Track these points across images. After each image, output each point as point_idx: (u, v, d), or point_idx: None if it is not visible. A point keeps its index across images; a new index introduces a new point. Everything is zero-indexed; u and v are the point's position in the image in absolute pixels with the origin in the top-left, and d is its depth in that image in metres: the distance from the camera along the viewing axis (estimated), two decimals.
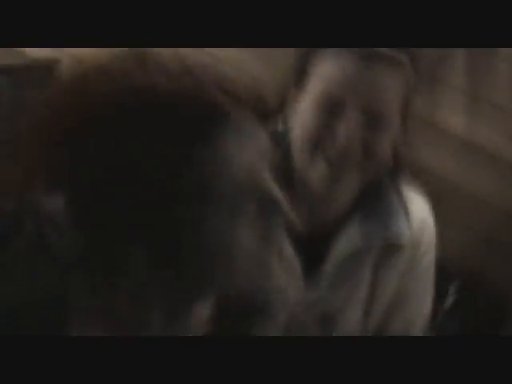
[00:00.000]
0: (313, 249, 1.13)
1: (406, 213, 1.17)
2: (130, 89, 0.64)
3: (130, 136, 0.63)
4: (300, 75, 1.11)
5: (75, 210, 0.64)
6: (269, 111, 0.68)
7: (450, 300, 1.65)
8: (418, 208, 1.20)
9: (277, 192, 0.70)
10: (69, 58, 0.74)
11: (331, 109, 1.06)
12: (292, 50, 1.17)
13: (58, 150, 0.65)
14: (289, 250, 0.99)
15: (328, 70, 1.08)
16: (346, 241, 1.15)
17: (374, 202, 1.16)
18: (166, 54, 0.67)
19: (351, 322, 1.20)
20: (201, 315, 0.73)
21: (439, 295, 1.37)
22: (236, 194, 0.64)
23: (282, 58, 2.01)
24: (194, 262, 0.65)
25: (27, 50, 2.06)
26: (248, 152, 0.65)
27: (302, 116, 1.10)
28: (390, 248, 1.17)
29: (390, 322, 1.21)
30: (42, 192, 0.65)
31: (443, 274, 1.33)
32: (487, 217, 1.85)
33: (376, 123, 1.08)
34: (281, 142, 1.10)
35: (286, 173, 1.07)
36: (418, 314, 1.23)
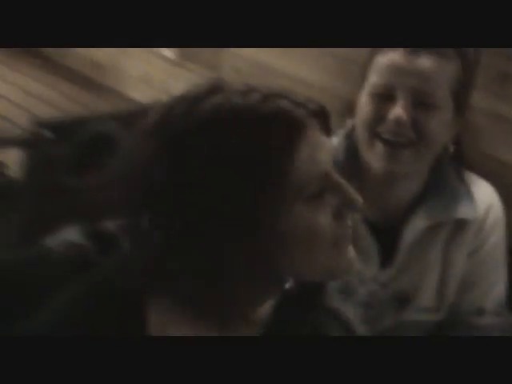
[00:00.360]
0: (386, 232, 1.27)
1: (470, 196, 1.28)
2: (210, 110, 0.74)
3: (217, 152, 0.73)
4: (362, 77, 1.26)
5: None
6: (330, 122, 0.80)
7: None
8: (482, 192, 1.32)
9: (346, 185, 0.79)
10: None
11: (382, 94, 1.20)
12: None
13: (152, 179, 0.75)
14: (364, 234, 1.24)
15: (379, 62, 1.23)
16: (415, 223, 1.27)
17: (439, 187, 1.28)
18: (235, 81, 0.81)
19: (426, 300, 1.30)
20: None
21: None
22: (315, 189, 0.76)
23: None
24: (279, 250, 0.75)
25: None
26: (318, 160, 0.76)
27: (360, 105, 1.24)
28: (457, 227, 1.28)
29: (461, 302, 1.31)
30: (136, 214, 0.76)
31: None
32: None
33: (425, 104, 1.19)
34: (349, 139, 1.28)
35: (355, 167, 1.26)
36: (488, 293, 1.31)
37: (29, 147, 2.06)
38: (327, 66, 2.15)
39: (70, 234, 0.87)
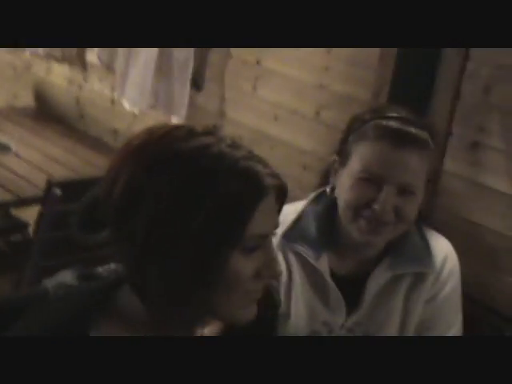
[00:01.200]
0: (353, 284, 1.40)
1: (428, 250, 1.42)
2: (195, 147, 0.84)
3: (190, 188, 0.83)
4: (343, 153, 1.37)
5: None
6: (285, 199, 0.92)
7: None
8: (440, 245, 1.44)
9: (276, 254, 0.91)
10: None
11: (369, 182, 1.32)
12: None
13: None
14: (332, 287, 1.39)
15: (367, 150, 1.33)
16: (379, 275, 1.40)
17: (401, 244, 1.40)
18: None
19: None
20: None
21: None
22: (253, 245, 0.87)
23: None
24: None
25: None
26: (267, 223, 0.88)
27: (344, 186, 1.35)
28: (416, 278, 1.41)
29: None
30: None
31: None
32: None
33: (406, 193, 1.32)
34: (328, 199, 1.41)
35: (331, 225, 1.40)
36: (444, 335, 1.43)
37: (43, 205, 2.23)
38: (319, 135, 2.32)
39: (66, 277, 0.99)
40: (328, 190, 1.42)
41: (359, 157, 1.33)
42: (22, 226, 2.88)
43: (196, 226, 0.82)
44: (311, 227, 1.40)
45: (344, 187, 1.35)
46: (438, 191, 1.94)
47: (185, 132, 0.87)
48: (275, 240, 1.35)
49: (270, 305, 1.06)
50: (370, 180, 1.31)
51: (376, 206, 1.30)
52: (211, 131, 0.88)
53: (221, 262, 0.84)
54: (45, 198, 2.19)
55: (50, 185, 2.15)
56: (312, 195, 1.46)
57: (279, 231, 1.39)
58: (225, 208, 0.83)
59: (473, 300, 1.63)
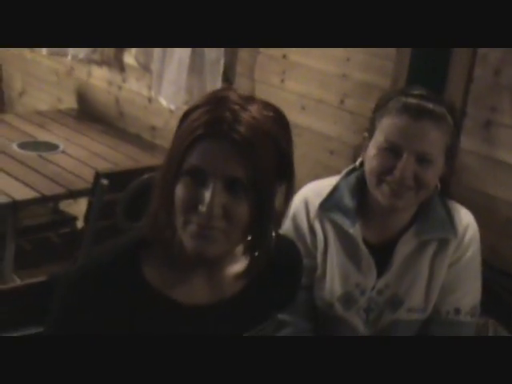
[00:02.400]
0: (383, 250, 1.56)
1: (451, 220, 1.56)
2: None
3: None
4: (370, 128, 1.53)
5: None
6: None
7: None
8: (461, 216, 1.58)
9: None
10: None
11: (390, 150, 1.47)
12: None
13: None
14: (365, 253, 1.55)
15: (387, 123, 1.48)
16: (407, 242, 1.55)
17: (427, 214, 1.55)
18: None
19: (415, 303, 1.58)
20: None
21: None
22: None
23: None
24: None
25: None
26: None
27: (370, 156, 1.51)
28: (440, 245, 1.56)
29: (442, 303, 1.58)
30: None
31: None
32: None
33: (424, 161, 1.46)
34: (358, 172, 1.57)
35: (362, 195, 1.57)
36: (464, 297, 1.58)
37: (91, 196, 2.41)
38: (344, 122, 2.48)
39: None
40: (358, 163, 1.57)
41: (382, 129, 1.47)
42: (70, 219, 3.10)
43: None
44: (345, 198, 1.56)
45: (369, 157, 1.50)
46: (456, 167, 2.08)
47: None
48: (314, 210, 1.56)
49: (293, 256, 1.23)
50: (392, 149, 1.46)
51: (396, 172, 1.44)
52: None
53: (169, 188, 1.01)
54: (93, 189, 2.37)
55: (97, 176, 2.33)
56: (345, 170, 1.62)
57: (317, 202, 1.56)
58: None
59: (489, 266, 1.76)
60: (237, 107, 0.99)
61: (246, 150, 0.98)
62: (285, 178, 1.07)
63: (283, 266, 1.19)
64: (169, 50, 2.88)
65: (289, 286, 1.24)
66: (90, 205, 2.40)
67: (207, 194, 0.97)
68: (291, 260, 1.23)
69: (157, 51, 2.94)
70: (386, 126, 1.47)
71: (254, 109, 1.00)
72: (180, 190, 1.00)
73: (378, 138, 1.48)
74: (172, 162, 1.01)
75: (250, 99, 1.02)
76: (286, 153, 1.04)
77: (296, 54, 2.58)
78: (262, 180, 1.00)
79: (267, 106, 1.03)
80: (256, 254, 1.09)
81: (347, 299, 1.57)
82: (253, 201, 1.00)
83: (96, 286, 1.03)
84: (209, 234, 0.99)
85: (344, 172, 1.62)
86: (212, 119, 0.98)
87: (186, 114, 1.03)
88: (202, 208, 0.97)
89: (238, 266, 1.12)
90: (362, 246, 1.54)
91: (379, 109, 1.52)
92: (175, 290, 1.07)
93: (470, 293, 1.59)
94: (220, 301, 1.10)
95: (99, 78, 3.42)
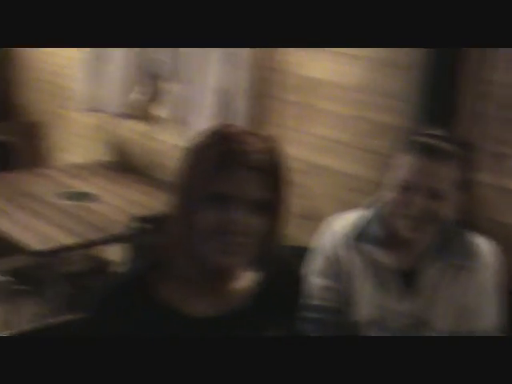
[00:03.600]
0: (409, 275, 1.67)
1: (472, 245, 1.68)
2: None
3: None
4: (388, 166, 1.67)
5: None
6: None
7: None
8: (482, 244, 1.70)
9: None
10: None
11: (407, 188, 1.60)
12: None
13: None
14: (392, 277, 1.66)
15: (404, 162, 1.61)
16: (431, 267, 1.66)
17: (450, 240, 1.67)
18: None
19: (440, 324, 1.67)
20: None
21: None
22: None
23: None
24: None
25: None
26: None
27: (388, 192, 1.65)
28: (461, 269, 1.67)
29: (463, 324, 1.67)
30: None
31: None
32: None
33: (437, 197, 1.60)
34: (380, 204, 1.69)
35: (386, 232, 1.70)
36: (483, 316, 1.68)
37: (129, 240, 2.52)
38: (361, 159, 2.60)
39: None
40: (377, 198, 1.70)
41: (399, 167, 1.62)
42: (105, 264, 3.23)
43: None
44: (370, 227, 1.69)
45: (388, 193, 1.64)
46: (472, 199, 2.16)
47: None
48: (340, 241, 1.68)
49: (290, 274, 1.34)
50: (407, 187, 1.60)
51: (413, 207, 1.59)
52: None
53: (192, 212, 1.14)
54: (130, 232, 2.50)
55: (133, 220, 2.46)
56: (367, 203, 1.75)
57: (343, 233, 1.69)
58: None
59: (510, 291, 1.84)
60: (249, 139, 1.16)
61: (264, 174, 1.15)
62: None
63: (284, 281, 1.31)
64: (197, 101, 3.05)
65: (290, 299, 1.34)
66: (127, 248, 2.53)
67: (235, 216, 1.13)
68: (291, 275, 1.36)
69: (184, 102, 3.10)
70: (403, 164, 1.61)
71: (261, 140, 1.18)
72: (207, 214, 1.14)
73: (395, 175, 1.62)
74: (193, 189, 1.16)
75: (253, 132, 1.20)
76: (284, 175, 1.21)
77: (313, 99, 2.72)
78: (277, 200, 1.17)
79: (267, 137, 1.21)
80: (264, 267, 1.25)
81: (374, 324, 1.67)
82: (268, 219, 1.16)
83: (116, 302, 1.19)
84: (235, 249, 1.15)
85: (367, 204, 1.75)
86: (231, 150, 1.14)
87: (199, 148, 1.19)
88: (231, 228, 1.13)
89: (246, 279, 1.26)
90: (390, 272, 1.66)
91: (396, 148, 1.66)
92: (186, 304, 1.20)
93: (488, 312, 1.68)
94: (230, 312, 1.22)
95: (132, 130, 3.56)
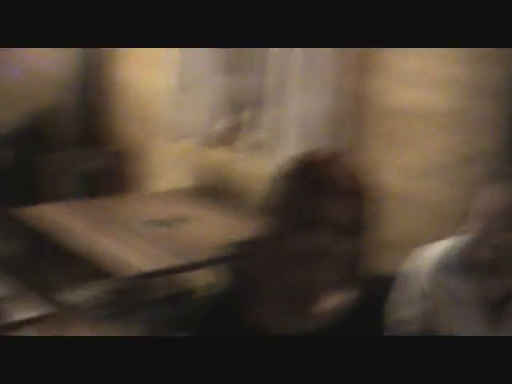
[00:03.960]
0: (496, 304, 1.70)
1: None
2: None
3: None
4: (475, 198, 1.71)
5: None
6: None
7: None
8: None
9: None
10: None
11: (492, 219, 1.64)
12: None
13: None
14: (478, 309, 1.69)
15: (489, 195, 1.67)
16: None
17: None
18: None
19: None
20: None
21: None
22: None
23: None
24: None
25: None
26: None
27: (476, 222, 1.68)
28: None
29: None
30: None
31: None
32: None
33: None
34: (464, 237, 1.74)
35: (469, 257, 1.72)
36: None
37: (222, 264, 2.57)
38: (457, 189, 2.58)
39: None
40: (465, 229, 1.74)
41: (485, 200, 1.67)
42: (189, 292, 3.26)
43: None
44: (456, 260, 1.72)
45: (475, 224, 1.68)
46: None
47: None
48: (426, 274, 1.71)
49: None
50: (493, 218, 1.64)
51: (501, 237, 1.62)
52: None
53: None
54: (224, 256, 2.55)
55: (230, 245, 2.50)
56: (453, 236, 1.79)
57: (428, 265, 1.73)
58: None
59: None
60: (336, 165, 1.26)
61: (352, 197, 1.24)
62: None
63: (370, 305, 1.34)
64: (283, 131, 3.09)
65: (374, 324, 1.36)
66: (219, 272, 2.57)
67: (325, 239, 1.21)
68: (376, 300, 1.38)
69: (271, 131, 3.16)
70: (488, 197, 1.66)
71: (348, 165, 1.28)
72: (300, 238, 1.22)
73: (482, 206, 1.67)
74: (287, 215, 1.24)
75: (340, 157, 1.29)
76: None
77: (403, 125, 2.74)
78: (363, 223, 1.26)
79: (353, 162, 1.30)
80: (352, 289, 1.31)
81: None
82: (355, 241, 1.25)
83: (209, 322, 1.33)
84: (324, 272, 1.24)
85: (453, 237, 1.78)
86: (321, 177, 1.23)
87: (291, 175, 1.26)
88: (321, 250, 1.21)
89: (334, 300, 1.30)
90: (475, 302, 1.68)
91: (486, 176, 1.75)
92: (277, 324, 1.27)
93: None
94: (318, 332, 1.27)
95: (220, 156, 3.64)
